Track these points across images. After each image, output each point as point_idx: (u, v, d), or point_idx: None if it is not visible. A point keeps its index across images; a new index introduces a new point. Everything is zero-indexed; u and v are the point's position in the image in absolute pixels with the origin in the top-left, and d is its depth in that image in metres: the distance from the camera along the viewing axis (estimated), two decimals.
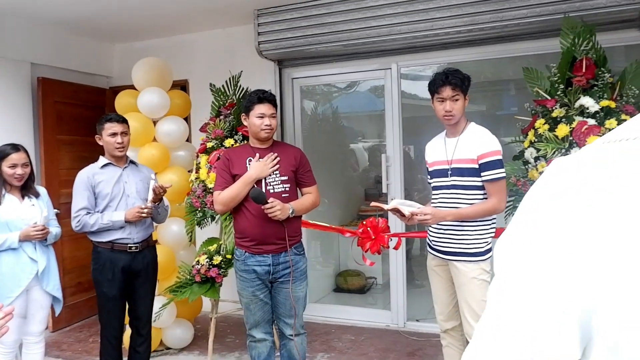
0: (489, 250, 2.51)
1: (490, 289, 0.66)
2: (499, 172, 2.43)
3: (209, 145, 3.59)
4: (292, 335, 2.77)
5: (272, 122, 2.70)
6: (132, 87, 3.97)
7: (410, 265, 5.47)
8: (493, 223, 2.55)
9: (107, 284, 2.97)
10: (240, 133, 3.59)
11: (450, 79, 2.47)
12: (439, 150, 2.65)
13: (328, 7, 3.84)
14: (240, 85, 3.85)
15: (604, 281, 0.52)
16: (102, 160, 3.03)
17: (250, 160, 2.71)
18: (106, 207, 2.95)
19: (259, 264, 2.68)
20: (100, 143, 3.02)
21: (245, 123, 2.79)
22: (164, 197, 3.09)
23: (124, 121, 3.03)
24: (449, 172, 2.55)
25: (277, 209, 2.56)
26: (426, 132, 6.43)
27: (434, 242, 2.65)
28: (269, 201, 2.56)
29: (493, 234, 2.55)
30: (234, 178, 2.69)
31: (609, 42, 3.16)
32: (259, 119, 2.68)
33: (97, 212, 2.94)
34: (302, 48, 4.01)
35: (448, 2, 3.53)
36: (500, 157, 2.44)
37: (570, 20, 3.04)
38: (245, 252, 2.69)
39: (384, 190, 4.10)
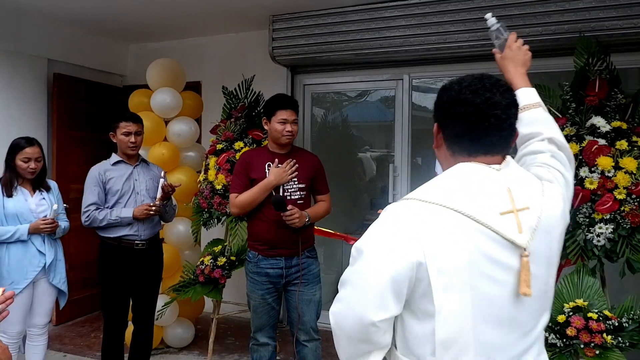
0: None
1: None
2: None
3: (219, 147, 3.62)
4: (306, 341, 2.76)
5: (293, 128, 2.70)
6: (145, 86, 4.02)
7: None
8: None
9: (113, 280, 3.00)
10: (250, 136, 3.61)
11: None
12: None
13: (342, 15, 3.87)
14: (252, 89, 3.88)
15: (428, 248, 1.08)
16: (114, 157, 3.06)
17: (269, 166, 2.70)
18: (116, 203, 2.98)
19: (272, 267, 2.70)
20: (114, 140, 3.06)
21: (265, 127, 2.78)
22: (172, 196, 3.12)
23: (139, 121, 3.07)
24: None
25: (295, 216, 2.59)
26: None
27: None
28: (288, 208, 2.59)
29: None
30: (252, 182, 2.69)
31: (623, 63, 3.16)
32: (281, 124, 2.68)
33: (107, 208, 2.98)
34: (315, 55, 4.04)
35: (462, 16, 3.55)
36: None
37: (585, 39, 3.04)
38: (259, 254, 2.71)
39: (390, 201, 4.11)
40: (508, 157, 1.19)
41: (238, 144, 3.56)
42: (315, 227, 3.92)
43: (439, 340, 1.08)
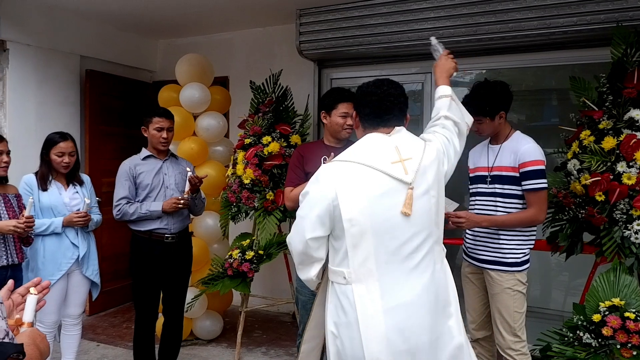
0: (527, 261, 2.48)
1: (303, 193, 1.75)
2: (540, 183, 2.40)
3: (247, 141, 3.64)
4: None
5: (352, 122, 2.65)
6: (174, 81, 4.06)
7: None
8: (532, 234, 2.51)
9: (144, 272, 3.05)
10: (278, 131, 3.62)
11: (474, 110, 2.40)
12: (482, 157, 2.65)
13: (370, 8, 3.83)
14: (279, 84, 3.88)
15: (340, 197, 1.65)
16: (144, 152, 3.11)
17: (324, 160, 2.53)
18: (146, 197, 3.03)
19: None
20: (146, 135, 3.10)
21: (325, 121, 2.72)
22: (200, 190, 3.16)
23: (171, 117, 3.11)
24: (488, 179, 2.54)
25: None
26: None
27: (469, 250, 2.62)
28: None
29: (532, 245, 2.52)
30: (307, 175, 2.65)
31: None
32: (342, 117, 2.66)
33: (137, 201, 3.03)
34: (342, 49, 4.00)
35: (494, 7, 3.46)
36: (542, 167, 2.41)
37: (623, 29, 2.93)
38: None
39: None
40: (397, 127, 1.79)
41: (266, 139, 3.57)
42: None
43: (350, 251, 1.66)
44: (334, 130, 2.70)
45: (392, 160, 1.69)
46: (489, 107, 2.48)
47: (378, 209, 1.65)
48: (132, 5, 4.08)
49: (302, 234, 1.72)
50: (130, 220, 3.02)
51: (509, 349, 2.47)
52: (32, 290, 1.22)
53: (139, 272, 3.07)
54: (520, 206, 2.47)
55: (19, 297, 1.25)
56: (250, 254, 3.42)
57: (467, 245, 2.64)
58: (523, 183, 2.43)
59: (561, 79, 3.91)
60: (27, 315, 1.17)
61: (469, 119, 2.05)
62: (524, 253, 2.47)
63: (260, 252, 3.47)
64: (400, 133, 1.78)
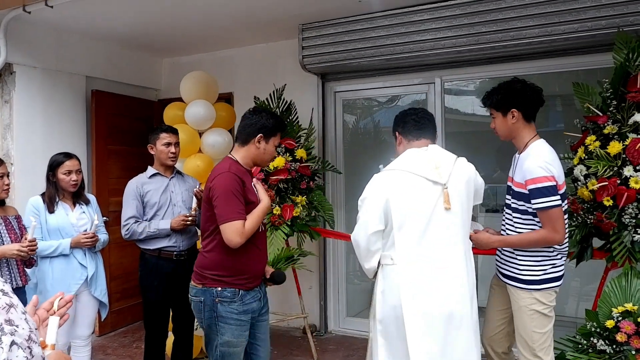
0: (549, 280, 2.30)
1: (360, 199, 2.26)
2: (544, 202, 2.20)
3: None
4: None
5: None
6: (179, 99, 4.10)
7: None
8: (555, 251, 2.32)
9: (153, 290, 3.05)
10: (283, 145, 3.63)
11: (484, 100, 2.45)
12: (511, 166, 2.52)
13: (371, 21, 3.87)
14: (283, 98, 3.91)
15: (391, 197, 2.14)
16: (150, 170, 3.13)
17: (254, 186, 2.39)
18: (154, 215, 3.05)
19: (254, 299, 2.36)
20: (152, 152, 3.13)
21: (259, 146, 2.32)
22: None
23: (176, 132, 3.15)
24: (511, 192, 2.43)
25: None
26: (469, 148, 6.28)
27: (497, 261, 2.56)
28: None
29: (556, 263, 2.33)
30: (247, 206, 2.26)
31: None
32: (276, 147, 2.46)
33: (145, 220, 3.04)
34: (345, 62, 4.04)
35: (494, 16, 3.49)
36: (548, 183, 2.19)
37: (624, 34, 2.94)
38: (240, 290, 2.28)
39: None
40: (431, 144, 2.27)
41: None
42: (335, 232, 3.91)
43: (398, 240, 2.13)
44: (264, 159, 2.39)
45: (429, 168, 2.16)
46: (499, 99, 2.35)
47: (420, 205, 2.12)
48: (137, 26, 4.14)
49: (365, 230, 2.16)
50: (139, 239, 3.02)
51: None
52: (55, 304, 1.20)
53: (148, 291, 3.07)
54: (536, 225, 2.32)
55: (44, 313, 1.24)
56: None
57: (496, 257, 2.57)
58: (531, 201, 2.26)
59: (565, 85, 3.92)
60: (50, 337, 1.14)
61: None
62: (544, 271, 2.29)
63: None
64: (433, 148, 2.26)
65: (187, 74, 4.09)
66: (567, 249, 2.36)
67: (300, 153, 3.65)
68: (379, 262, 2.21)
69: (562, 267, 2.35)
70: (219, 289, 2.26)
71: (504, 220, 2.51)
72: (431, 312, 2.09)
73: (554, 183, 2.19)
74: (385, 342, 2.18)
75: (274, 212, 3.50)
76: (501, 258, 2.50)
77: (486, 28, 3.55)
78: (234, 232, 2.15)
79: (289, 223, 3.52)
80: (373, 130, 6.25)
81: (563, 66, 3.67)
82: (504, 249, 2.45)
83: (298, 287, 3.89)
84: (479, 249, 2.45)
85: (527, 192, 2.27)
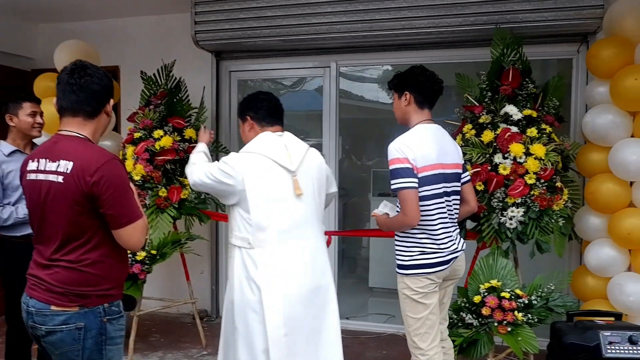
0: (416, 266, 2.23)
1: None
2: (396, 183, 2.17)
3: (136, 135, 3.44)
4: None
5: None
6: (55, 70, 3.73)
7: (346, 264, 5.54)
8: (422, 237, 2.24)
9: (19, 280, 2.76)
10: (170, 124, 3.46)
11: (389, 82, 2.43)
12: None
13: (268, 0, 3.78)
14: (173, 75, 3.71)
15: (247, 178, 2.13)
16: (6, 146, 2.81)
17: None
18: (19, 199, 2.75)
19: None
20: (11, 124, 2.81)
21: (110, 116, 1.91)
22: None
23: (40, 103, 2.90)
24: None
25: None
26: (366, 133, 6.40)
27: None
28: None
29: (425, 249, 2.23)
30: None
31: (533, 55, 3.30)
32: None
33: (9, 204, 2.74)
34: (240, 40, 3.92)
35: (387, 4, 3.56)
36: (400, 165, 2.15)
37: (501, 31, 3.15)
38: (120, 302, 1.87)
39: None
40: (285, 132, 2.33)
41: (157, 132, 3.40)
42: (216, 213, 3.82)
43: (254, 223, 2.15)
44: (104, 130, 1.95)
45: (283, 154, 2.21)
46: (397, 81, 2.37)
47: (276, 191, 2.17)
48: None
49: (210, 174, 2.21)
50: (3, 226, 2.72)
51: (411, 350, 2.36)
52: None
53: (13, 280, 2.77)
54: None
55: None
56: (141, 255, 3.24)
57: None
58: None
59: (450, 76, 4.13)
60: None
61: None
62: (410, 256, 2.24)
63: (153, 251, 3.30)
64: (287, 135, 2.32)
65: (62, 43, 3.73)
66: (443, 236, 2.24)
67: (190, 133, 3.49)
68: (235, 246, 2.22)
69: (436, 255, 2.23)
70: (106, 305, 1.78)
71: None
72: (291, 293, 2.15)
73: (408, 165, 2.15)
74: (244, 327, 2.17)
75: (160, 194, 3.33)
76: None
77: (380, 15, 3.61)
78: (142, 232, 1.78)
79: (177, 206, 3.37)
80: None
81: (452, 57, 3.84)
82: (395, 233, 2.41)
83: (186, 272, 3.76)
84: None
85: None
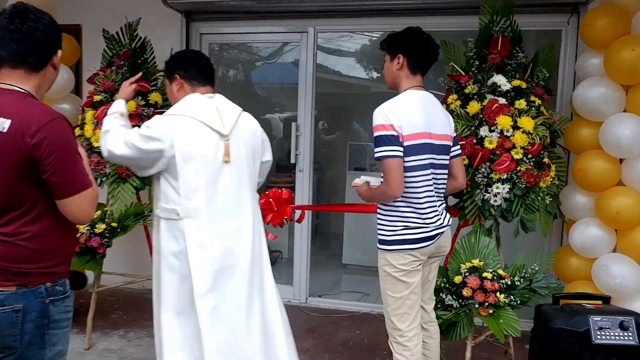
0: (399, 242, 2.08)
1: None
2: (379, 151, 2.01)
3: (97, 98, 3.17)
4: None
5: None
6: None
7: (319, 239, 5.40)
8: (405, 210, 2.08)
9: None
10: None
11: (381, 42, 2.22)
12: None
13: None
14: (137, 34, 3.42)
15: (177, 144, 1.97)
16: None
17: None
18: None
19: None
20: None
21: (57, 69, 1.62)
22: None
23: None
24: None
25: None
26: (342, 108, 6.20)
27: None
28: None
29: (409, 224, 2.08)
30: None
31: (522, 25, 3.12)
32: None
33: None
34: (212, 0, 3.65)
35: None
36: (384, 132, 1.99)
37: None
38: (66, 279, 1.63)
39: (292, 161, 3.90)
40: (216, 94, 2.16)
41: None
42: None
43: (183, 191, 2.00)
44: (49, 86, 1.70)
45: (214, 116, 2.05)
46: (390, 41, 2.17)
47: (206, 157, 2.01)
48: None
49: (137, 143, 1.97)
50: None
51: (388, 330, 2.22)
52: None
53: None
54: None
55: None
56: (101, 227, 3.01)
57: None
58: None
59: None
60: None
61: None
62: (393, 231, 2.09)
63: (114, 224, 3.07)
64: (218, 96, 2.16)
65: None
66: (428, 210, 2.09)
67: (155, 97, 3.23)
68: (161, 218, 2.06)
69: (421, 230, 2.08)
70: (49, 284, 1.55)
71: None
72: (222, 267, 2.04)
73: (393, 132, 1.97)
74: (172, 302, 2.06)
75: None
76: None
77: None
78: (90, 203, 1.56)
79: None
80: (245, 83, 5.96)
81: (437, 25, 3.61)
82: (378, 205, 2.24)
83: (150, 246, 3.53)
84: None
85: None
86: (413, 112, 2.04)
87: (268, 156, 2.29)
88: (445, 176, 2.21)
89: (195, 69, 2.13)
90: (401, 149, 1.99)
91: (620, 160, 2.70)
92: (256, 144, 2.19)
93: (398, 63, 2.13)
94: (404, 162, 2.00)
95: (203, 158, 2.00)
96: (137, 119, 3.12)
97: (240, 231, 2.10)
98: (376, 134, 2.01)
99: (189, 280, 2.00)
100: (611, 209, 2.61)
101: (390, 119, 1.99)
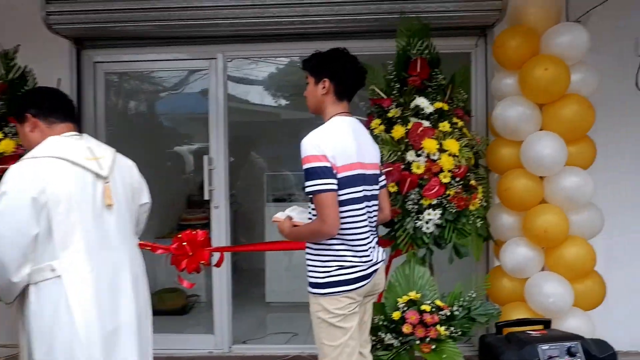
0: (334, 284, 1.87)
1: None
2: (312, 185, 1.82)
3: None
4: None
5: None
6: None
7: (239, 277, 5.04)
8: (340, 249, 1.89)
9: None
10: (12, 124, 2.74)
11: (303, 62, 2.05)
12: None
13: None
14: (16, 64, 2.98)
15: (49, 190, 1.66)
16: None
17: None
18: None
19: None
20: None
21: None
22: None
23: None
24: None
25: None
26: (255, 137, 5.97)
27: None
28: None
29: (343, 263, 1.89)
30: None
31: (437, 48, 3.13)
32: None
33: None
34: (106, 25, 3.30)
35: None
36: (312, 164, 1.81)
37: (407, 20, 2.92)
38: None
39: (206, 197, 3.56)
40: (83, 134, 1.92)
41: None
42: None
43: (57, 241, 1.69)
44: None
45: (87, 157, 1.80)
46: (315, 63, 1.99)
47: (83, 202, 1.75)
48: None
49: (18, 235, 1.66)
50: None
51: None
52: None
53: None
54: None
55: None
56: None
57: None
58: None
59: None
60: None
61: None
62: (327, 273, 1.87)
63: None
64: (86, 137, 1.92)
65: None
66: (364, 246, 1.92)
67: (5, 145, 2.79)
68: (30, 284, 1.70)
69: (357, 269, 1.89)
70: None
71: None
72: (105, 327, 1.75)
73: (326, 164, 1.79)
74: None
75: None
76: None
77: (272, 1, 3.23)
78: None
79: None
80: (150, 116, 5.55)
81: (353, 49, 3.43)
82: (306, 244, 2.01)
83: None
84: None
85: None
86: (346, 141, 1.87)
87: (146, 198, 2.07)
88: (377, 208, 2.05)
89: (49, 103, 1.86)
90: (335, 181, 1.80)
91: (541, 178, 2.72)
92: (134, 185, 1.99)
93: (323, 87, 1.95)
94: (338, 195, 1.81)
95: (82, 205, 1.74)
96: (15, 160, 2.66)
97: (126, 286, 1.85)
98: (307, 165, 1.81)
99: (77, 348, 1.70)
100: (539, 227, 2.60)
101: (322, 149, 1.81)
